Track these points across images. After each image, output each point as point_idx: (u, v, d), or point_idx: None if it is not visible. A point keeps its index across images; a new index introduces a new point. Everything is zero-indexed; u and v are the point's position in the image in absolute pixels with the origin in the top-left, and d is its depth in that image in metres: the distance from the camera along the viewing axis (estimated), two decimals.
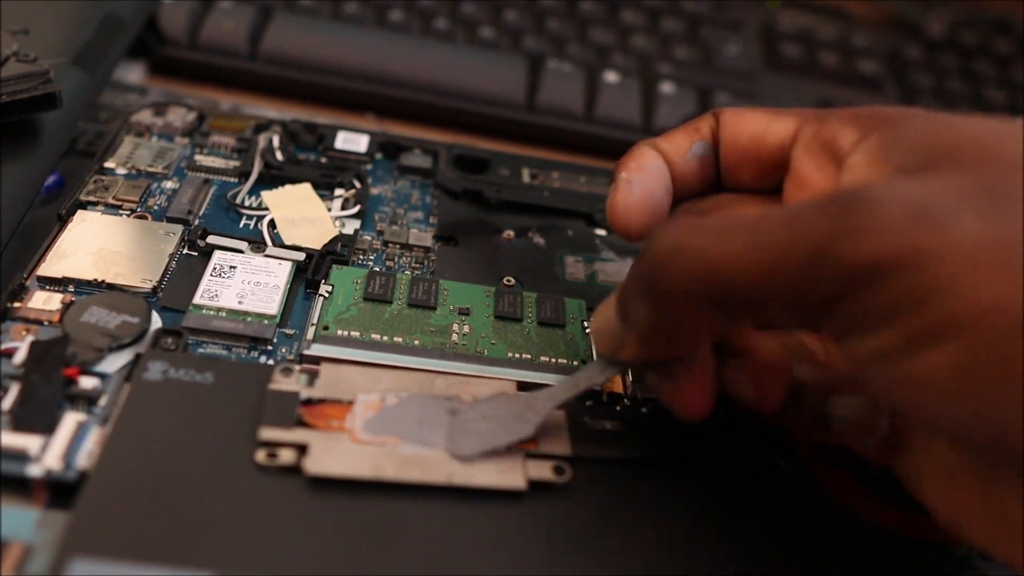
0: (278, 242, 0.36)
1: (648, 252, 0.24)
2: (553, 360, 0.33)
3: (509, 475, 0.27)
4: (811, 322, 0.22)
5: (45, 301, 0.31)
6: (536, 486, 0.28)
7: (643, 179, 0.29)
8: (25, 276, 0.32)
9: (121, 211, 0.36)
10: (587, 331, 0.35)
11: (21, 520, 0.26)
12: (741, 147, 0.29)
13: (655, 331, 0.25)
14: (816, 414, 0.27)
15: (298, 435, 0.27)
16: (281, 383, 0.29)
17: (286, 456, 0.27)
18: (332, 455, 0.27)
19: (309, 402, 0.29)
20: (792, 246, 0.20)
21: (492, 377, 0.31)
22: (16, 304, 0.31)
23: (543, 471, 0.28)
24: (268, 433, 0.27)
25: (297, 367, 0.30)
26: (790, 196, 0.28)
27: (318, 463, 0.26)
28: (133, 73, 0.49)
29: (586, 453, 0.29)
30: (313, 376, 0.29)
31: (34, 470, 0.26)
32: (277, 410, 0.28)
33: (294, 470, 0.27)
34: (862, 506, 0.29)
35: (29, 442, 0.26)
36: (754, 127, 0.29)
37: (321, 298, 0.33)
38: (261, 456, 0.27)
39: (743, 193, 0.30)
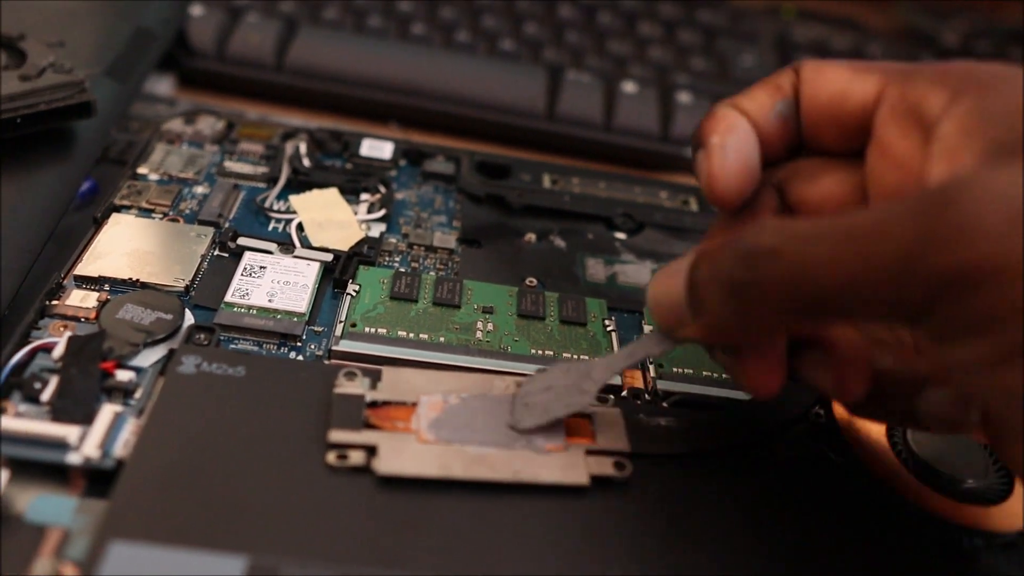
0: (306, 244, 0.37)
1: (738, 251, 0.22)
2: (575, 357, 0.34)
3: (573, 471, 0.28)
4: (901, 324, 0.21)
5: (82, 299, 0.32)
6: (598, 482, 0.28)
7: (736, 142, 0.27)
8: (62, 276, 0.33)
9: (154, 214, 0.37)
10: (608, 330, 0.35)
11: (60, 507, 0.26)
12: (821, 107, 0.27)
13: (730, 324, 0.24)
14: (902, 407, 0.26)
15: (366, 437, 0.28)
16: (346, 387, 0.29)
17: (356, 457, 0.27)
18: (401, 456, 0.27)
19: (374, 404, 0.29)
20: (881, 254, 0.19)
21: None
22: (54, 302, 0.32)
23: (605, 467, 0.28)
24: (338, 435, 0.28)
25: (359, 370, 0.30)
26: (874, 166, 0.26)
27: (388, 463, 0.27)
28: (163, 85, 0.50)
29: (644, 449, 0.29)
30: (375, 379, 0.30)
31: (73, 458, 0.27)
32: (344, 413, 0.28)
33: (325, 461, 0.27)
34: (907, 489, 0.30)
35: (68, 432, 0.27)
36: (835, 85, 0.26)
37: (349, 297, 0.34)
38: (332, 458, 0.27)
39: (824, 158, 0.28)
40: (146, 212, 0.37)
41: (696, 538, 0.28)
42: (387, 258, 0.38)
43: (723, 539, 0.28)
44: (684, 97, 0.54)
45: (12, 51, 0.39)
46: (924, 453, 0.31)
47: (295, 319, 0.33)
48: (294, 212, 0.38)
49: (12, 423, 0.27)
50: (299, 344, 0.33)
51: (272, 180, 0.40)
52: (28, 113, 0.36)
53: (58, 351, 0.30)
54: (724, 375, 0.34)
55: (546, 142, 0.52)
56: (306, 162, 0.41)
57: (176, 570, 0.24)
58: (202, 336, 0.31)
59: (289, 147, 0.42)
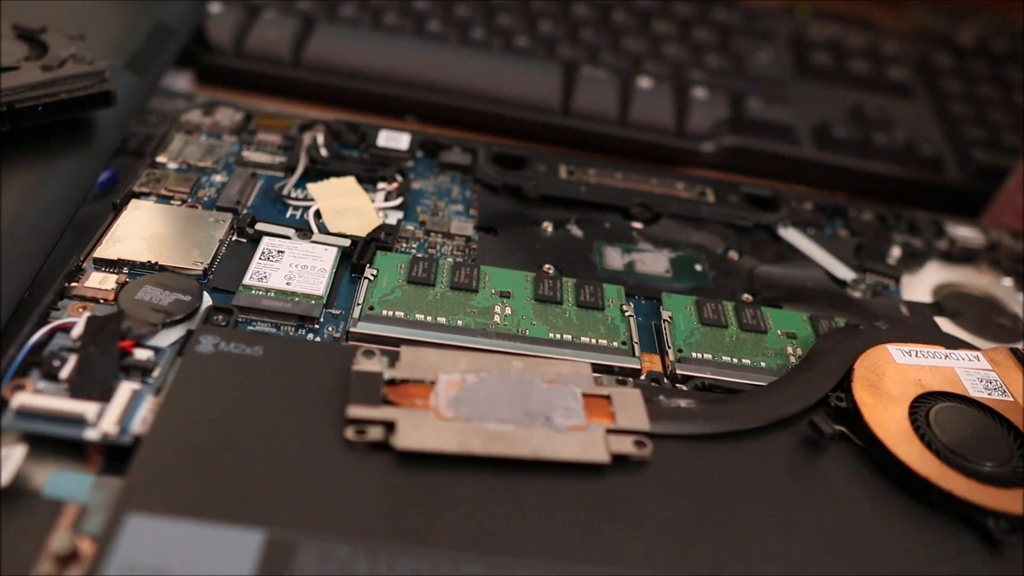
0: (323, 231, 0.37)
1: None
2: (594, 340, 0.33)
3: (593, 449, 0.28)
4: None
5: (101, 281, 0.32)
6: (618, 460, 0.28)
7: None
8: (82, 259, 0.33)
9: (172, 201, 0.38)
10: (626, 315, 0.35)
11: (77, 483, 0.26)
12: None
13: None
14: None
15: (385, 413, 0.28)
16: (364, 364, 0.29)
17: (374, 433, 0.27)
18: (420, 431, 0.27)
19: (392, 382, 0.29)
20: None
21: (564, 358, 0.32)
22: (73, 284, 0.32)
23: (625, 445, 0.28)
24: (357, 411, 0.28)
25: (378, 350, 0.30)
26: None
27: (407, 439, 0.27)
28: (181, 81, 0.51)
29: (663, 430, 0.29)
30: (394, 358, 0.30)
31: (91, 434, 0.27)
32: (362, 389, 0.28)
33: (339, 437, 0.27)
34: (931, 471, 0.29)
35: (86, 408, 0.27)
36: None
37: (366, 281, 0.34)
38: (350, 433, 0.27)
39: None
40: (165, 199, 0.38)
41: (715, 518, 0.27)
42: (404, 244, 0.38)
43: (743, 520, 0.28)
44: (699, 93, 0.54)
45: (34, 43, 0.39)
46: (948, 437, 0.31)
47: (313, 302, 0.33)
48: (312, 199, 0.38)
49: (31, 399, 0.27)
50: (317, 326, 0.33)
51: (290, 169, 0.40)
52: (49, 102, 0.36)
53: (77, 330, 0.30)
54: (742, 360, 0.34)
55: (562, 137, 0.52)
56: (323, 152, 0.41)
57: (193, 544, 0.24)
58: (220, 317, 0.31)
59: (307, 137, 0.42)
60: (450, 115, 0.52)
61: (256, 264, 0.34)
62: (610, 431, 0.28)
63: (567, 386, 0.30)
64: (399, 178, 0.41)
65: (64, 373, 0.28)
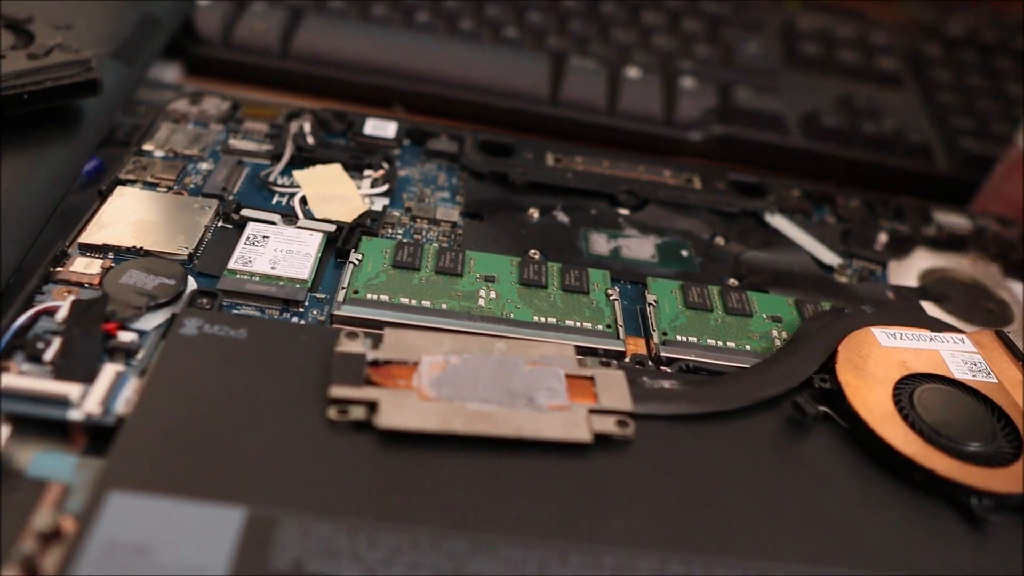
0: (309, 217, 0.37)
1: None
2: (579, 324, 0.33)
3: (575, 428, 0.28)
4: None
5: (86, 266, 0.33)
6: (600, 440, 0.28)
7: None
8: (67, 244, 0.34)
9: (159, 188, 0.38)
10: (611, 299, 0.35)
11: (61, 463, 0.26)
12: None
13: None
14: None
15: (368, 393, 0.28)
16: (347, 345, 0.29)
17: (357, 412, 0.27)
18: (402, 411, 0.27)
19: (375, 363, 0.29)
20: None
21: (548, 341, 0.32)
22: (58, 269, 0.32)
23: (607, 425, 0.28)
24: (339, 391, 0.28)
25: (361, 331, 0.30)
26: None
27: (389, 418, 0.27)
28: (169, 73, 0.51)
29: (646, 410, 0.29)
30: (377, 340, 0.30)
31: (75, 414, 0.27)
32: (345, 370, 0.28)
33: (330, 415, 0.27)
34: (914, 451, 0.30)
35: (70, 389, 0.27)
36: None
37: (351, 265, 0.34)
38: (333, 413, 0.27)
39: None
40: (151, 186, 0.38)
41: (698, 497, 0.27)
42: (390, 230, 0.38)
43: (726, 500, 0.28)
44: (688, 82, 0.54)
45: (20, 32, 0.39)
46: (932, 417, 0.31)
47: (298, 286, 0.33)
48: (298, 186, 0.39)
49: (14, 380, 0.27)
50: (301, 310, 0.33)
51: (276, 157, 0.40)
52: (35, 90, 0.36)
53: (61, 313, 0.30)
54: (727, 343, 0.34)
55: (550, 126, 0.52)
56: (310, 140, 0.42)
57: (175, 521, 0.24)
58: (205, 300, 0.31)
59: (293, 126, 0.42)
60: (439, 105, 0.52)
61: (241, 249, 0.34)
62: (593, 411, 0.28)
63: (550, 367, 0.30)
64: (385, 165, 0.41)
65: (48, 355, 0.28)
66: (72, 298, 0.31)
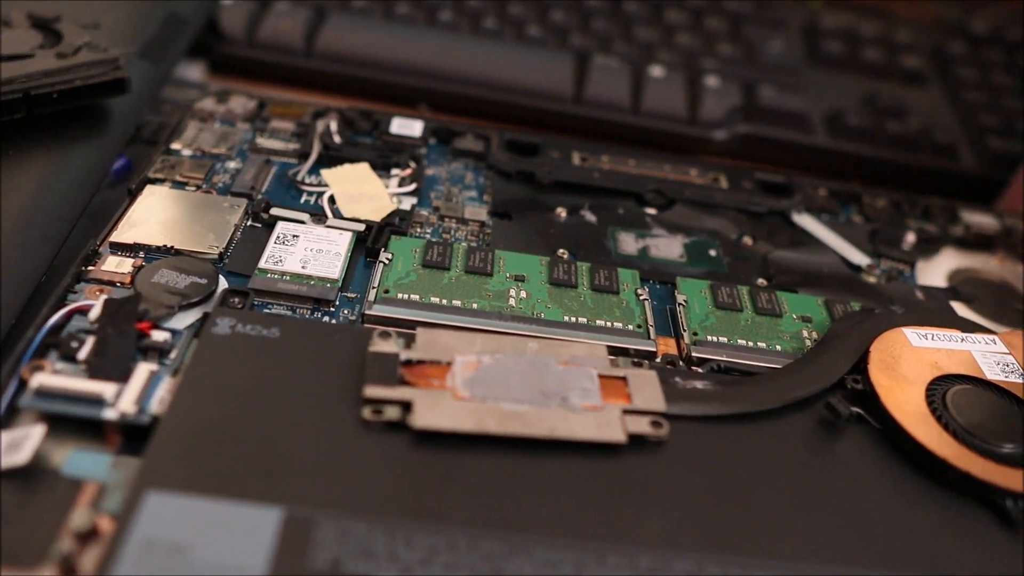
0: (338, 216, 0.37)
1: None
2: (609, 324, 0.33)
3: (609, 429, 0.28)
4: None
5: (117, 265, 0.33)
6: (634, 440, 0.28)
7: None
8: (98, 243, 0.34)
9: (187, 187, 0.38)
10: (641, 299, 0.35)
11: (96, 462, 0.26)
12: None
13: None
14: None
15: (402, 392, 0.28)
16: (380, 345, 0.29)
17: (391, 412, 0.27)
18: (436, 411, 0.27)
19: (408, 363, 0.29)
20: None
21: (579, 341, 0.32)
22: (90, 268, 0.32)
23: (641, 425, 0.28)
24: (373, 391, 0.28)
25: (394, 331, 0.30)
26: None
27: (423, 418, 0.27)
28: (194, 71, 0.51)
29: (680, 410, 0.29)
30: (409, 340, 0.30)
31: (109, 414, 0.27)
32: (379, 370, 0.28)
33: (361, 417, 0.27)
34: (948, 452, 0.29)
35: (105, 388, 0.27)
36: None
37: (381, 265, 0.34)
38: (367, 413, 0.27)
39: None
40: (179, 185, 0.38)
41: (732, 497, 0.27)
42: (418, 229, 0.38)
43: (759, 500, 0.27)
44: (712, 81, 0.54)
45: (49, 32, 0.39)
46: (965, 419, 0.31)
47: (328, 285, 0.33)
48: (326, 185, 0.39)
49: (49, 379, 0.27)
50: (332, 309, 0.33)
51: (303, 156, 0.40)
52: (64, 89, 0.36)
53: (94, 312, 0.30)
54: (758, 343, 0.34)
55: (574, 125, 0.52)
56: (337, 139, 0.42)
57: (213, 521, 0.24)
58: (236, 300, 0.31)
59: (320, 125, 0.42)
60: (463, 104, 0.52)
61: (271, 248, 0.34)
62: (626, 411, 0.28)
63: (583, 367, 0.30)
64: (412, 164, 0.41)
65: (82, 354, 0.28)
66: (104, 297, 0.31)
